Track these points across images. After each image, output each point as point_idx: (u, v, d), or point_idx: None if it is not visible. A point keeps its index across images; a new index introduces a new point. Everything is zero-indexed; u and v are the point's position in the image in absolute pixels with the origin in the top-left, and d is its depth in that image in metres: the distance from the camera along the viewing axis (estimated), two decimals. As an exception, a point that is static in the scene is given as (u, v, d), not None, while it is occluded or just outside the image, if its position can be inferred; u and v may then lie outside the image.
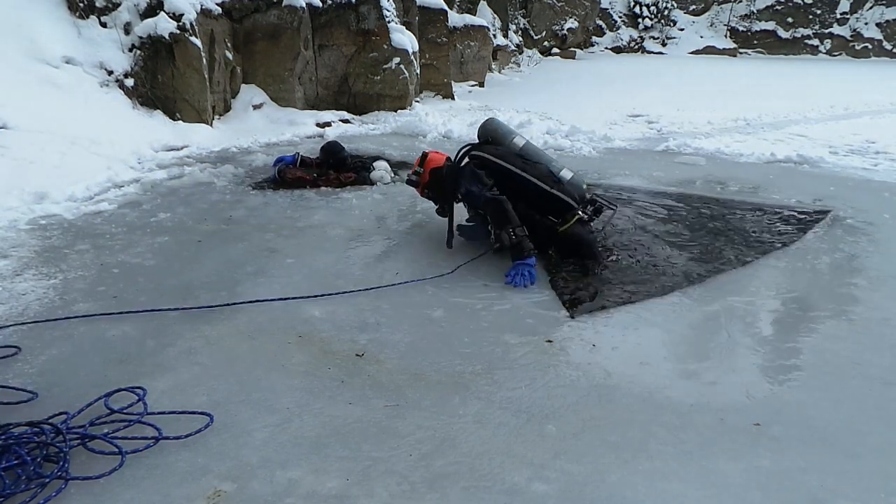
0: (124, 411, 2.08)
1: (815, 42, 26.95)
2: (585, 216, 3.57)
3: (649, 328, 2.79)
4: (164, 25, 6.41)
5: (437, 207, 3.89)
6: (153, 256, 3.52)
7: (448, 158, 3.81)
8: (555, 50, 21.89)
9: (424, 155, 3.82)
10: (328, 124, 7.88)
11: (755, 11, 27.38)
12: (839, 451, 1.98)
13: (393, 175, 5.28)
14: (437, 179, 3.72)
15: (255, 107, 7.79)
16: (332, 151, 5.38)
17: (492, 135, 3.81)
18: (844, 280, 3.35)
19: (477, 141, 3.91)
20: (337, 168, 5.27)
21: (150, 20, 6.47)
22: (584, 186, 3.73)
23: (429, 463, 1.88)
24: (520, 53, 18.34)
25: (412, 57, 9.17)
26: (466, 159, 3.67)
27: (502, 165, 3.53)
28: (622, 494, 1.77)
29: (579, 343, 2.63)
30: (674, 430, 2.06)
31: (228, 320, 2.77)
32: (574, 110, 9.45)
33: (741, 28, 27.44)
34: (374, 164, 5.32)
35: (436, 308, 2.93)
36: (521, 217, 3.33)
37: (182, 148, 6.17)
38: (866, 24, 26.30)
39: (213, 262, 3.46)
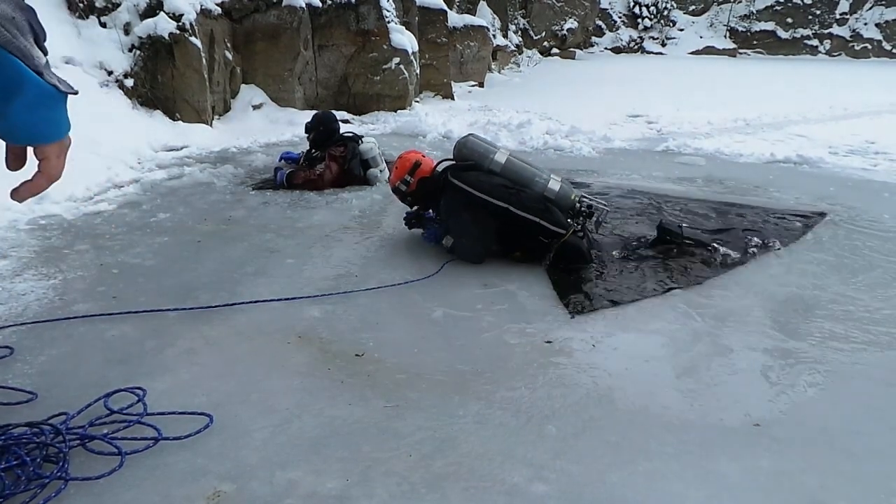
0: (124, 412, 2.07)
1: (815, 42, 26.99)
2: (578, 227, 3.50)
3: (649, 328, 2.79)
4: (163, 25, 6.41)
5: (407, 214, 3.82)
6: (153, 256, 3.52)
7: (434, 169, 3.68)
8: (554, 50, 21.92)
9: (417, 164, 3.68)
10: (328, 124, 7.88)
11: (755, 12, 27.42)
12: (839, 451, 1.98)
13: (387, 166, 5.21)
14: (424, 190, 3.67)
15: (255, 107, 7.79)
16: (325, 120, 5.24)
17: (469, 157, 3.60)
18: (844, 280, 3.35)
19: (453, 163, 3.66)
20: (325, 141, 5.13)
21: (149, 20, 6.47)
22: (573, 197, 3.57)
23: (429, 463, 1.88)
24: (519, 53, 18.35)
25: (412, 57, 9.18)
26: (449, 175, 3.51)
27: (489, 201, 3.39)
28: (622, 494, 1.77)
29: (579, 343, 2.63)
30: (674, 431, 2.06)
31: (228, 321, 2.77)
32: (574, 110, 9.45)
33: (741, 28, 27.47)
34: (363, 138, 5.25)
35: (436, 308, 2.93)
36: (511, 234, 3.41)
37: (182, 148, 6.17)
38: (866, 24, 26.34)
39: (213, 262, 3.46)
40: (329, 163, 4.99)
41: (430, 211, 3.81)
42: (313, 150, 5.19)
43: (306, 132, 5.23)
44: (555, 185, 3.53)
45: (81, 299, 2.94)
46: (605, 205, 3.70)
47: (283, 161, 5.31)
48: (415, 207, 3.85)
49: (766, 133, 8.24)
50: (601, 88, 13.46)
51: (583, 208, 3.58)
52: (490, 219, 3.41)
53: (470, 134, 3.83)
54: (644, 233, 3.99)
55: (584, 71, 17.64)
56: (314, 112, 5.49)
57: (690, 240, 3.73)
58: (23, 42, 0.92)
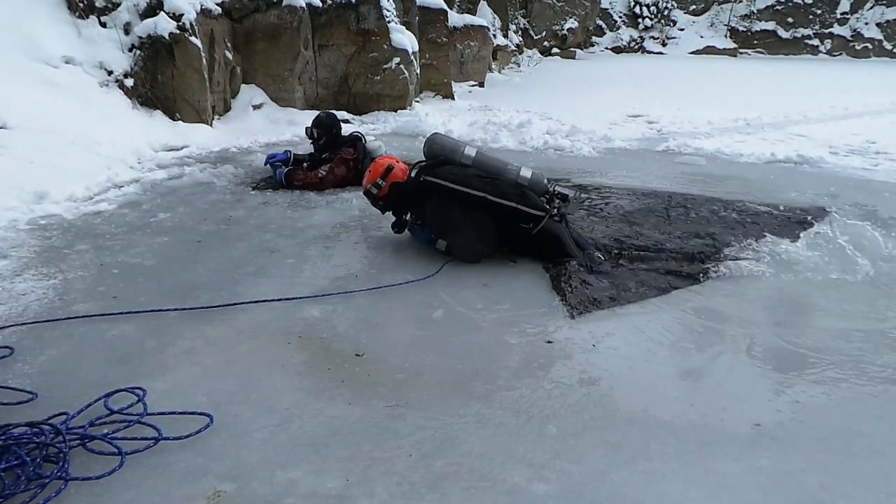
0: (124, 412, 2.07)
1: (816, 42, 26.96)
2: (555, 210, 3.53)
3: (649, 328, 2.79)
4: (163, 25, 6.40)
5: (392, 222, 3.81)
6: (153, 256, 3.52)
7: (409, 173, 3.67)
8: (555, 50, 21.90)
9: (389, 168, 3.66)
10: (328, 124, 7.87)
11: (755, 11, 27.38)
12: (839, 451, 1.98)
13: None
14: (397, 194, 3.66)
15: (255, 107, 7.79)
16: (333, 122, 5.19)
17: (440, 153, 3.63)
18: (844, 280, 3.35)
19: (424, 161, 3.68)
20: (334, 143, 5.09)
21: (149, 20, 6.47)
22: (546, 181, 3.63)
23: (429, 463, 1.88)
24: (520, 53, 18.34)
25: (412, 57, 9.17)
26: (423, 175, 3.53)
27: (465, 192, 3.41)
28: (622, 494, 1.77)
29: (579, 343, 2.63)
30: (674, 431, 2.06)
31: (228, 320, 2.77)
32: (574, 110, 9.45)
33: (741, 28, 27.44)
34: (366, 136, 5.25)
35: (436, 308, 2.93)
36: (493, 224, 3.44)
37: (182, 148, 6.16)
38: (866, 24, 26.31)
39: (213, 262, 3.46)
40: (334, 166, 4.96)
41: (408, 215, 3.79)
42: (324, 154, 5.13)
43: (315, 136, 5.14)
44: (526, 172, 3.59)
45: (81, 299, 2.94)
46: (570, 191, 3.78)
47: (268, 165, 5.23)
48: (386, 213, 3.84)
49: (767, 133, 8.24)
50: (601, 88, 13.45)
51: (557, 194, 3.62)
52: (473, 211, 3.42)
53: (435, 133, 3.92)
54: (643, 232, 3.99)
55: (585, 71, 17.64)
56: (316, 114, 5.43)
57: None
58: None
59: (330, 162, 5.02)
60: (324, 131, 5.14)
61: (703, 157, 6.44)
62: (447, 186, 3.44)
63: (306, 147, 5.57)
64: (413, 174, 3.63)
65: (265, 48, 7.85)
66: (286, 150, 5.33)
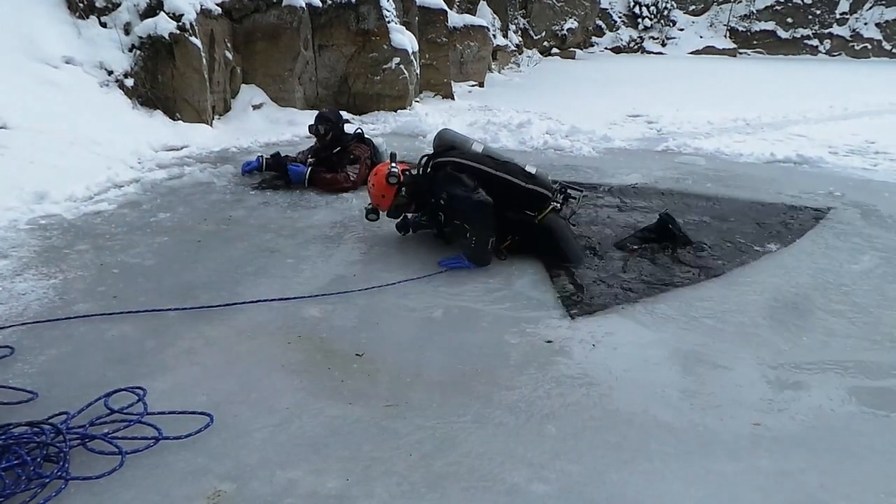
0: (124, 411, 2.08)
1: (815, 42, 26.94)
2: (558, 204, 3.60)
3: (649, 328, 2.79)
4: (163, 25, 6.40)
5: (397, 221, 3.85)
6: (153, 256, 3.52)
7: (419, 165, 3.70)
8: (554, 50, 21.88)
9: (393, 155, 3.79)
10: (328, 124, 7.86)
11: (755, 11, 27.37)
12: (839, 451, 1.99)
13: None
14: (410, 182, 3.65)
15: (255, 107, 7.78)
16: (336, 119, 5.13)
17: (451, 143, 3.74)
18: (844, 279, 3.35)
19: (433, 151, 3.75)
20: (341, 138, 5.07)
21: (149, 20, 6.46)
22: (550, 178, 3.74)
23: (429, 463, 1.88)
24: (519, 53, 18.32)
25: (412, 57, 9.17)
26: (433, 168, 3.60)
27: (476, 168, 3.49)
28: (622, 494, 1.77)
29: (579, 343, 2.63)
30: (673, 431, 2.06)
31: (228, 320, 2.77)
32: (574, 110, 9.44)
33: (741, 28, 27.42)
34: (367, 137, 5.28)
35: (436, 308, 2.93)
36: (500, 206, 3.43)
37: (182, 148, 6.16)
38: (866, 24, 26.30)
39: (213, 262, 3.46)
40: (362, 168, 4.93)
41: (411, 214, 3.82)
42: (334, 150, 5.06)
43: (322, 132, 5.06)
44: (531, 168, 3.66)
45: (81, 299, 2.94)
46: (580, 190, 3.79)
47: (245, 174, 5.19)
48: (388, 215, 3.84)
49: (766, 133, 8.23)
50: (601, 88, 13.45)
51: (561, 189, 3.68)
52: (485, 188, 3.43)
53: (445, 128, 4.04)
54: (643, 232, 3.98)
55: (584, 71, 17.63)
56: (321, 111, 5.40)
57: (685, 235, 3.77)
58: None
59: (340, 157, 4.99)
60: (331, 126, 5.08)
61: (703, 157, 6.44)
62: (459, 162, 3.51)
63: (306, 147, 5.55)
64: (422, 163, 3.66)
65: (265, 48, 7.85)
66: (258, 157, 5.29)
